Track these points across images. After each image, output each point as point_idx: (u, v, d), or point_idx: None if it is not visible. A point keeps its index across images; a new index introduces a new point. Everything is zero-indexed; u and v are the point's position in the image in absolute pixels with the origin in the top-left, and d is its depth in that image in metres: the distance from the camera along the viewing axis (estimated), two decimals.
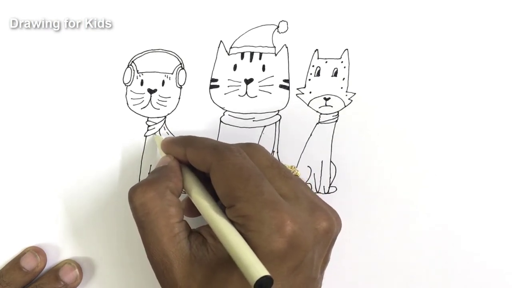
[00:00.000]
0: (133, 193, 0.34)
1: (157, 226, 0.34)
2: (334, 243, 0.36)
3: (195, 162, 0.36)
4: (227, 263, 0.32)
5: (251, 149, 0.36)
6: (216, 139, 0.41)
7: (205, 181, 0.36)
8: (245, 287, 0.31)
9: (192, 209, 0.37)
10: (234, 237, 0.32)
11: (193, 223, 0.37)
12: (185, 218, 0.36)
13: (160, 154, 0.38)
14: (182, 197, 0.37)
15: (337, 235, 0.35)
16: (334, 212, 0.36)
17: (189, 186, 0.36)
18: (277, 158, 0.42)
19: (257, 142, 0.41)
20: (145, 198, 0.34)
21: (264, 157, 0.36)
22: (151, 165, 0.40)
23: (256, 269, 0.29)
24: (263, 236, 0.31)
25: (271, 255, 0.31)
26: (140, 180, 0.35)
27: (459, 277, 0.44)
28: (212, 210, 0.34)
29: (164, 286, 0.34)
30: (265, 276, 0.29)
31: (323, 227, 0.34)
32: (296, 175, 0.38)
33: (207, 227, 0.35)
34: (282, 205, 0.32)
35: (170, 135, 0.40)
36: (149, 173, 0.40)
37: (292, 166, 0.40)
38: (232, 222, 0.33)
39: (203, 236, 0.34)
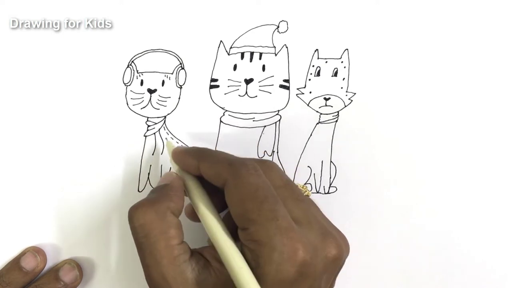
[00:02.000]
0: (134, 213, 0.34)
1: (157, 248, 0.33)
2: (341, 269, 0.35)
3: (209, 176, 0.35)
4: (231, 286, 0.32)
5: (265, 167, 0.35)
6: (216, 139, 0.41)
7: (212, 191, 0.36)
8: None
9: (195, 215, 0.37)
10: (242, 269, 0.31)
11: (192, 242, 0.37)
12: (185, 239, 0.35)
13: (171, 161, 0.38)
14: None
15: (344, 261, 0.35)
16: (343, 238, 0.35)
17: (197, 202, 0.35)
18: (277, 158, 0.42)
19: (257, 143, 0.41)
20: (144, 220, 0.33)
21: (278, 176, 0.35)
22: (151, 165, 0.40)
23: None
24: (273, 264, 0.31)
25: (280, 283, 0.31)
26: (141, 200, 0.35)
27: (460, 277, 0.44)
28: (219, 234, 0.33)
29: None
30: None
31: (332, 254, 0.33)
32: (307, 195, 0.38)
33: (211, 249, 0.34)
34: (295, 233, 0.32)
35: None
36: (149, 177, 0.40)
37: (303, 185, 0.40)
38: (242, 244, 0.33)
39: (206, 258, 0.34)
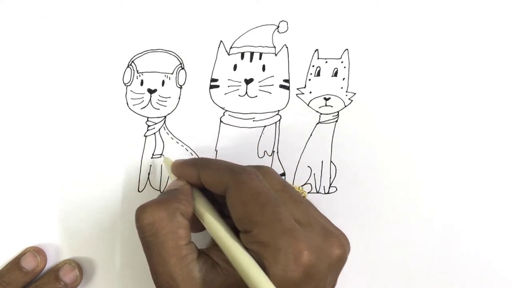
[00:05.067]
0: (142, 212, 0.34)
1: (165, 247, 0.33)
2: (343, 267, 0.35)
3: (210, 183, 0.35)
4: (239, 286, 0.32)
5: (263, 172, 0.36)
6: (216, 139, 0.41)
7: (215, 203, 0.36)
8: None
9: (195, 225, 0.37)
10: (252, 266, 0.31)
11: (198, 241, 0.37)
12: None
13: (170, 177, 0.38)
14: None
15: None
16: (344, 236, 0.35)
17: (201, 209, 0.35)
18: (277, 158, 0.42)
19: (257, 143, 0.41)
20: (153, 218, 0.33)
21: (276, 180, 0.36)
22: (151, 165, 0.40)
23: None
24: (279, 264, 0.31)
25: (286, 284, 0.31)
26: (149, 200, 0.34)
27: (460, 278, 0.44)
28: (227, 237, 0.33)
29: None
30: None
31: (336, 254, 0.33)
32: (304, 196, 0.38)
33: (218, 251, 0.34)
34: (299, 233, 0.32)
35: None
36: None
37: (299, 187, 0.40)
38: (246, 247, 0.33)
39: (213, 259, 0.34)
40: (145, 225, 0.33)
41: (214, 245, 0.35)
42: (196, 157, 0.40)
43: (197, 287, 0.33)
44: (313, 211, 0.36)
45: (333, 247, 0.33)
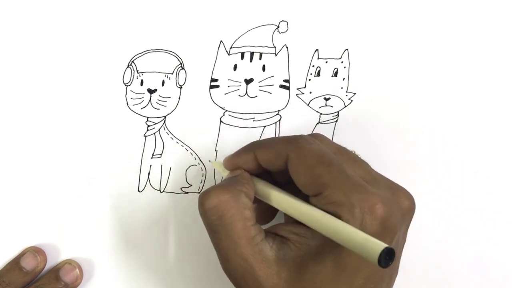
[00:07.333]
0: (206, 196, 0.33)
1: (233, 229, 0.32)
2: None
3: (268, 159, 0.35)
4: (316, 255, 0.32)
5: (317, 138, 0.36)
6: (216, 139, 0.41)
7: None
8: (337, 276, 0.31)
9: (262, 216, 0.37)
10: (337, 221, 0.31)
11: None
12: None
13: (224, 175, 0.37)
14: None
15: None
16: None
17: (266, 190, 0.35)
18: None
19: None
20: (219, 200, 0.33)
21: (331, 144, 0.36)
22: (151, 165, 0.40)
23: (375, 242, 0.28)
24: (357, 220, 0.31)
25: None
26: (211, 186, 0.34)
27: (460, 276, 0.44)
28: (301, 203, 0.33)
29: None
30: (386, 248, 0.27)
31: (406, 205, 0.34)
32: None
33: (285, 226, 0.34)
34: (369, 188, 0.32)
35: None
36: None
37: (352, 151, 0.40)
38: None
39: (281, 235, 0.33)
40: (210, 208, 0.33)
41: (278, 225, 0.35)
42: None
43: (271, 264, 0.32)
44: (373, 169, 0.36)
45: (402, 199, 0.34)
